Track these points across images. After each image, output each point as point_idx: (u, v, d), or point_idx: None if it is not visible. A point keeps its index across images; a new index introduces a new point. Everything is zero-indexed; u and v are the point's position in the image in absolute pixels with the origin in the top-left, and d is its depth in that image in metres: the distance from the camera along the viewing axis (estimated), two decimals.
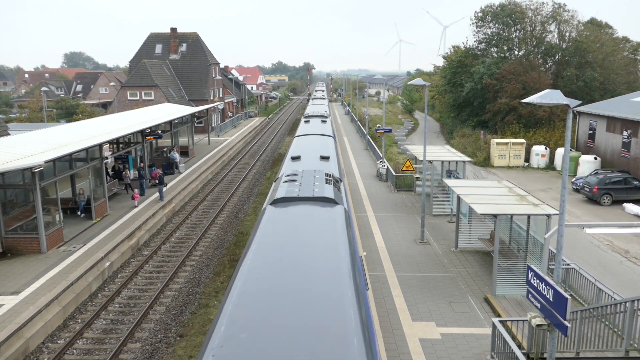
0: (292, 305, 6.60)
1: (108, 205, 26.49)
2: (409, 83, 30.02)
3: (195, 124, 49.36)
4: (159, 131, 35.70)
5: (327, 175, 13.86)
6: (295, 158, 17.22)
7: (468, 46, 60.40)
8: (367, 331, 6.08)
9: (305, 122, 31.03)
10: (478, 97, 53.90)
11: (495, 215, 16.32)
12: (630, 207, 28.41)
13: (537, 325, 10.36)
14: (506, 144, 41.76)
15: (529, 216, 16.55)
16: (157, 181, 29.92)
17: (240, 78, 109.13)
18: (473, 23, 58.27)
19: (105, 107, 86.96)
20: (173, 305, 17.89)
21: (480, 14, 57.61)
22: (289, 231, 10.03)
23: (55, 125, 35.31)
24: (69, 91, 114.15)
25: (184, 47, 66.33)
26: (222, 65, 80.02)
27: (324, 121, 31.08)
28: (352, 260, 8.26)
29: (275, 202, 11.63)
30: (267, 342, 5.63)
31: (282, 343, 5.59)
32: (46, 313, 15.97)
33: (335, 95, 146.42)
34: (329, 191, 12.18)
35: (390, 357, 13.02)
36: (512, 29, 56.48)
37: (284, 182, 13.23)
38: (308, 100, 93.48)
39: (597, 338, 12.00)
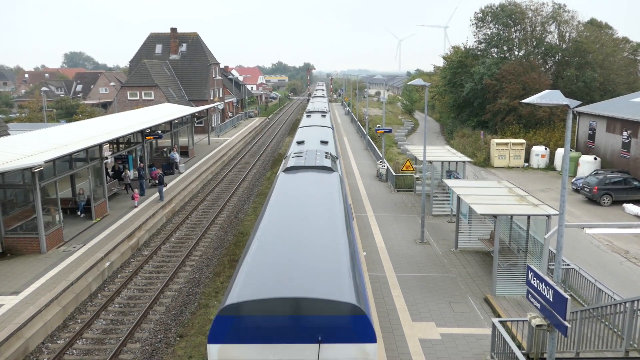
0: (300, 235, 10.19)
1: (108, 205, 26.49)
2: (409, 83, 29.99)
3: (195, 124, 49.37)
4: (159, 131, 35.70)
5: (325, 153, 18.11)
6: (300, 142, 21.75)
7: (468, 47, 60.43)
8: (352, 246, 9.88)
9: (307, 116, 36.60)
10: (478, 97, 53.90)
11: (495, 216, 16.32)
12: (630, 208, 28.41)
13: (537, 326, 10.36)
14: (506, 144, 41.76)
15: (528, 216, 16.55)
16: (157, 181, 29.92)
17: (240, 78, 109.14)
18: (473, 24, 58.30)
19: (105, 107, 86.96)
20: (173, 306, 17.89)
21: (480, 15, 57.62)
22: (298, 189, 13.69)
23: (55, 125, 35.31)
24: (69, 91, 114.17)
25: (184, 47, 66.33)
26: (222, 66, 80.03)
27: (323, 115, 36.36)
28: (344, 206, 12.27)
29: (287, 170, 15.62)
30: (281, 266, 8.42)
31: (293, 267, 8.46)
32: (46, 313, 15.97)
33: (335, 96, 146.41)
34: (327, 163, 16.27)
35: (390, 357, 13.02)
36: (512, 30, 56.48)
37: (292, 157, 17.33)
38: (308, 100, 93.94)
39: (597, 338, 12.00)
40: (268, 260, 9.00)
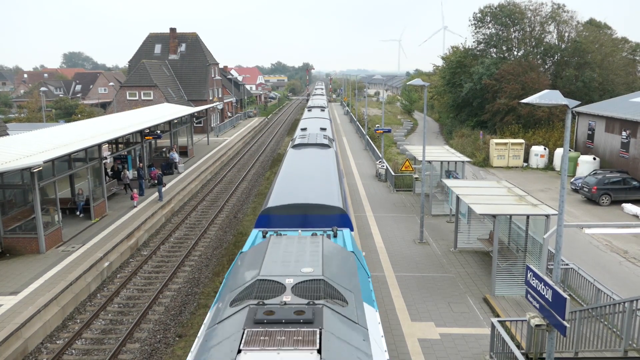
0: (307, 177, 15.38)
1: (107, 205, 26.47)
2: (408, 83, 30.17)
3: (195, 124, 49.36)
4: (158, 131, 35.68)
5: (324, 135, 24.18)
6: (304, 129, 28.52)
7: (467, 47, 60.47)
8: (341, 185, 15.20)
9: (309, 110, 44.93)
10: (477, 97, 53.92)
11: (494, 216, 16.32)
12: (629, 208, 28.43)
13: (536, 326, 10.37)
14: (505, 144, 41.78)
15: (528, 216, 16.55)
16: (155, 181, 29.91)
17: (240, 78, 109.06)
18: (472, 24, 58.32)
19: (104, 107, 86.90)
20: (172, 306, 17.88)
21: (479, 15, 57.64)
22: (304, 157, 19.25)
23: (54, 126, 35.27)
24: (68, 91, 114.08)
25: (183, 47, 66.29)
26: (221, 66, 79.99)
27: (322, 110, 44.78)
28: (337, 169, 17.73)
29: (294, 147, 21.36)
30: (293, 193, 13.34)
31: (303, 190, 13.67)
32: (45, 313, 15.96)
33: (334, 96, 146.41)
34: (325, 141, 22.13)
35: (389, 357, 13.02)
36: (511, 30, 56.50)
37: (298, 138, 23.40)
38: (308, 99, 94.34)
39: (596, 338, 12.02)
40: (287, 186, 15.00)
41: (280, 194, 14.00)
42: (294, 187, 14.95)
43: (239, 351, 5.89)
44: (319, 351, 5.85)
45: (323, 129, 27.63)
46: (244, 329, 6.28)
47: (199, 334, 7.29)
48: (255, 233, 11.70)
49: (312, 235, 10.18)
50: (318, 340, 6.05)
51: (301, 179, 15.96)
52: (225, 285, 8.67)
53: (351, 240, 11.10)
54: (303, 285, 7.46)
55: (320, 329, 6.30)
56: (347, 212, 13.10)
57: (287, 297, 7.05)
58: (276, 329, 6.26)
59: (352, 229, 12.54)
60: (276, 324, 6.39)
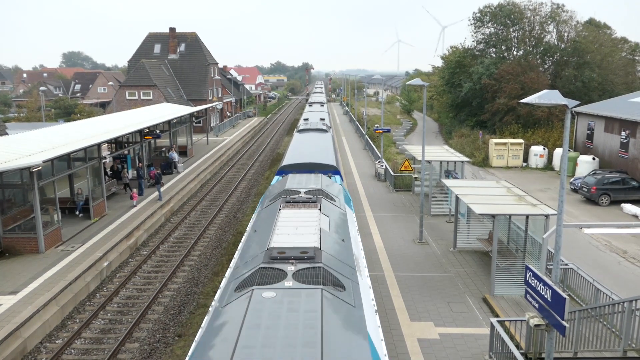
0: (310, 149, 22.21)
1: (106, 205, 26.46)
2: (407, 83, 30.31)
3: (194, 124, 49.33)
4: (158, 131, 35.66)
5: (323, 123, 30.83)
6: (306, 119, 35.56)
7: (466, 47, 60.46)
8: (337, 154, 23.68)
9: (310, 105, 54.64)
10: (477, 97, 53.91)
11: (493, 216, 16.33)
12: (628, 208, 28.45)
13: (535, 325, 10.38)
14: (504, 144, 41.79)
15: (527, 216, 16.55)
16: (154, 181, 29.89)
17: (239, 78, 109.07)
18: (471, 23, 58.33)
19: (103, 107, 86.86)
20: (171, 305, 17.88)
21: (478, 15, 57.65)
22: (307, 138, 25.51)
23: (54, 125, 35.25)
24: (67, 91, 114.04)
25: (182, 47, 66.25)
26: (220, 65, 79.93)
27: (322, 105, 54.58)
28: (333, 144, 24.87)
29: (299, 131, 28.21)
30: (301, 158, 19.35)
31: (308, 155, 20.28)
32: (44, 313, 15.95)
33: (334, 96, 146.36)
34: (324, 127, 29.11)
35: (389, 357, 13.02)
36: (511, 30, 56.51)
37: (302, 125, 30.49)
38: (307, 99, 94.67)
39: (595, 338, 12.03)
40: (296, 153, 21.28)
41: (291, 157, 20.48)
42: (301, 153, 21.22)
43: (279, 209, 12.21)
44: (320, 208, 12.31)
45: (322, 120, 34.38)
46: (280, 208, 12.31)
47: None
48: (276, 177, 18.54)
49: (315, 174, 16.87)
50: (319, 207, 12.40)
51: (306, 149, 22.52)
52: (265, 196, 15.60)
53: (339, 180, 18.31)
54: (310, 192, 13.89)
55: (320, 205, 12.58)
56: (338, 168, 19.43)
57: (302, 196, 13.25)
58: (298, 207, 12.37)
59: (341, 178, 19.48)
60: (298, 202, 12.73)
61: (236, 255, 10.94)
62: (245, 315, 7.08)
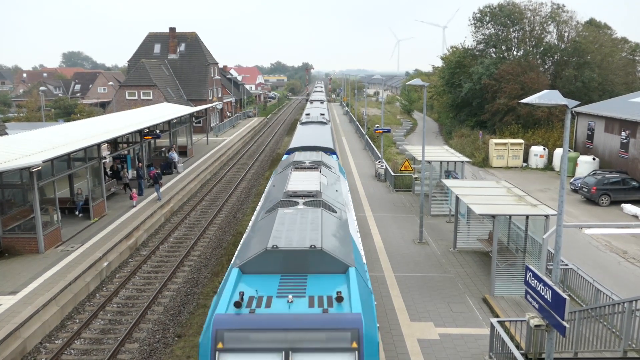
0: (312, 136, 26.12)
1: (106, 205, 26.45)
2: (407, 83, 30.41)
3: (194, 124, 49.33)
4: (158, 131, 35.65)
5: (323, 117, 35.06)
6: (307, 114, 39.83)
7: (466, 47, 60.45)
8: (334, 139, 29.49)
9: (311, 102, 60.64)
10: (477, 97, 53.91)
11: (493, 216, 16.32)
12: (628, 208, 28.44)
13: (536, 326, 10.37)
14: (505, 144, 41.78)
15: (527, 216, 16.55)
16: (153, 181, 29.85)
17: (239, 78, 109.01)
18: (472, 24, 58.32)
19: (103, 107, 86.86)
20: (171, 306, 17.86)
21: (478, 15, 57.64)
22: (309, 129, 29.51)
23: (54, 125, 35.24)
24: (67, 91, 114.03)
25: (182, 47, 66.24)
26: (220, 65, 79.93)
27: (321, 102, 59.84)
28: (331, 133, 29.91)
29: (302, 124, 32.91)
30: (305, 142, 23.66)
31: (310, 141, 24.19)
32: (44, 313, 15.94)
33: (334, 96, 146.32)
34: (324, 120, 33.82)
35: (389, 357, 13.02)
36: (511, 30, 56.51)
37: (304, 119, 35.30)
38: (307, 100, 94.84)
39: (596, 338, 12.02)
40: (301, 138, 25.40)
41: (297, 142, 24.72)
42: (305, 139, 25.34)
43: (291, 172, 15.53)
44: (320, 171, 15.63)
45: (322, 114, 38.97)
46: (291, 171, 15.86)
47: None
48: (286, 156, 22.48)
49: (316, 152, 21.06)
50: (319, 170, 15.72)
51: (308, 136, 26.59)
52: (277, 168, 19.42)
53: (335, 158, 22.36)
54: (313, 162, 17.84)
55: (320, 169, 16.27)
56: (334, 150, 23.96)
57: (307, 164, 16.96)
58: (304, 170, 15.76)
59: (337, 157, 23.89)
60: (304, 168, 16.33)
61: (260, 201, 15.61)
62: (274, 221, 11.05)
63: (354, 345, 7.54)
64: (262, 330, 7.61)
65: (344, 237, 10.96)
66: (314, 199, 12.64)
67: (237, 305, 7.85)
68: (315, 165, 17.02)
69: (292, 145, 23.81)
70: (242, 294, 8.10)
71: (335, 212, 12.42)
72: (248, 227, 12.87)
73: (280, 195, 13.31)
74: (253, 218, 13.45)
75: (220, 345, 7.59)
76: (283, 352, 7.50)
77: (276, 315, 7.81)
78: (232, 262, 10.28)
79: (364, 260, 11.57)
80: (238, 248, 11.26)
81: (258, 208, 14.62)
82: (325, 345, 7.56)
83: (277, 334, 7.59)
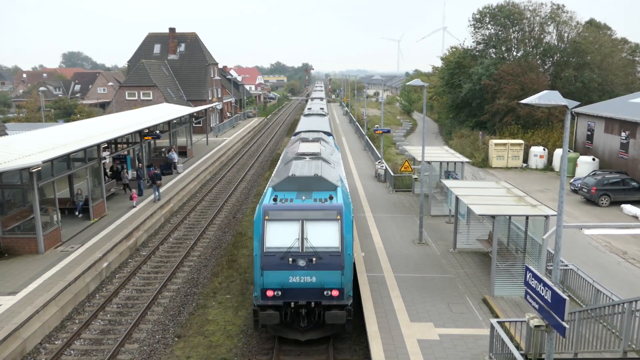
0: (313, 124, 32.29)
1: (106, 205, 26.45)
2: (407, 84, 30.58)
3: (194, 125, 49.32)
4: (157, 131, 35.65)
5: (322, 111, 43.62)
6: (309, 108, 47.93)
7: (466, 47, 60.45)
8: (331, 126, 38.85)
9: (312, 100, 66.41)
10: (476, 97, 53.92)
11: (493, 216, 16.31)
12: (628, 208, 28.45)
13: (535, 326, 10.36)
14: (504, 144, 41.79)
15: (527, 217, 16.54)
16: (151, 182, 29.82)
17: (239, 78, 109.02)
18: (471, 24, 58.32)
19: (103, 107, 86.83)
20: (171, 306, 17.87)
21: (478, 16, 57.66)
22: (310, 121, 34.99)
23: (53, 125, 35.23)
24: (67, 91, 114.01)
25: (182, 47, 66.26)
26: (220, 66, 79.95)
27: (321, 99, 67.33)
28: (329, 122, 38.96)
29: (305, 116, 40.00)
30: (309, 128, 30.00)
31: (312, 127, 30.37)
32: (44, 313, 15.94)
33: (333, 96, 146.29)
34: (323, 113, 42.04)
35: (388, 358, 13.01)
36: (511, 30, 56.52)
37: (306, 112, 43.51)
38: (307, 100, 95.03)
39: (595, 339, 12.02)
40: (305, 125, 32.63)
41: (302, 128, 31.26)
42: (308, 125, 31.63)
43: (299, 144, 22.51)
44: (320, 143, 22.50)
45: (322, 108, 46.98)
46: (299, 143, 22.72)
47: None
48: (293, 138, 27.18)
49: (317, 133, 26.46)
50: (320, 143, 22.86)
51: (310, 123, 33.11)
52: (290, 141, 27.13)
53: (331, 138, 28.19)
54: (314, 138, 24.16)
55: (320, 142, 22.98)
56: (331, 133, 30.91)
57: (310, 139, 24.01)
58: (308, 142, 22.61)
59: (334, 138, 30.19)
60: (309, 141, 23.21)
61: (279, 161, 22.77)
62: (291, 165, 17.67)
63: (338, 217, 14.40)
64: (288, 210, 14.52)
65: (334, 173, 18.35)
66: (316, 157, 19.38)
67: (275, 200, 14.79)
68: (316, 139, 24.00)
69: (298, 129, 31.12)
70: (276, 197, 14.92)
71: (330, 163, 19.49)
72: (272, 174, 20.94)
73: (293, 155, 19.85)
74: (275, 170, 21.59)
75: (267, 217, 14.37)
76: (300, 221, 14.33)
77: (296, 204, 14.81)
78: (267, 185, 17.64)
79: (347, 186, 19.44)
80: (270, 179, 19.42)
81: (278, 165, 22.23)
82: (323, 217, 14.45)
83: (296, 212, 14.46)
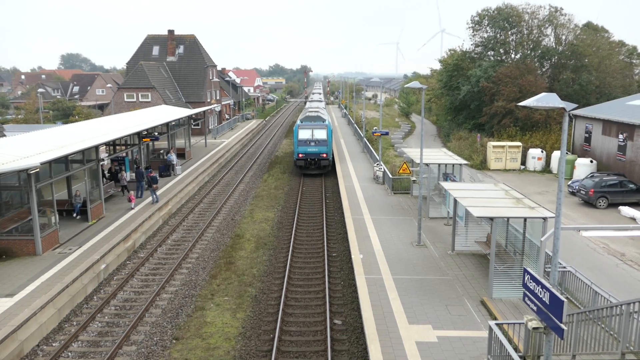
0: (314, 111, 46.31)
1: (104, 207, 26.41)
2: (405, 86, 30.88)
3: (192, 126, 49.33)
4: (156, 133, 35.64)
5: (320, 103, 63.62)
6: (310, 101, 70.00)
7: (464, 50, 60.54)
8: (328, 115, 59.74)
9: (312, 95, 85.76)
10: (475, 100, 54.01)
11: (491, 218, 16.32)
12: (625, 210, 28.50)
13: (534, 328, 10.36)
14: (503, 147, 41.85)
15: (525, 219, 16.56)
16: (147, 184, 29.74)
17: (238, 80, 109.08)
18: (470, 27, 58.44)
19: (102, 109, 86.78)
20: (169, 308, 17.83)
21: (476, 18, 57.77)
22: (312, 105, 56.41)
23: (52, 127, 35.17)
24: (65, 93, 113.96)
25: (181, 49, 66.27)
26: (219, 68, 79.96)
27: (320, 94, 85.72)
28: (326, 109, 70.17)
29: (307, 103, 72.35)
30: (310, 116, 43.06)
31: (313, 114, 45.00)
32: (41, 315, 15.90)
33: (332, 98, 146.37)
34: (322, 101, 72.35)
35: (385, 353, 13.01)
36: (509, 33, 56.65)
37: (308, 101, 74.56)
38: (305, 102, 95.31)
39: (593, 341, 12.02)
40: (306, 113, 44.88)
41: (304, 115, 43.23)
42: (309, 113, 44.11)
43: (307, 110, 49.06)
44: (324, 122, 40.99)
45: (320, 101, 64.22)
46: (307, 113, 45.10)
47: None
48: (298, 122, 40.81)
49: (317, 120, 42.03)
50: (324, 120, 41.22)
51: (312, 112, 44.78)
52: (300, 115, 47.58)
53: (326, 115, 46.96)
54: (317, 116, 42.19)
55: (323, 119, 41.46)
56: (327, 120, 41.46)
57: (313, 115, 42.89)
58: (310, 122, 40.65)
59: (329, 122, 42.06)
60: (311, 118, 41.27)
61: (298, 119, 42.69)
62: (299, 129, 39.80)
63: (325, 128, 39.43)
64: (308, 122, 40.34)
65: (326, 118, 41.93)
66: (316, 110, 44.50)
67: (302, 120, 40.78)
68: (316, 111, 43.97)
69: (301, 116, 43.43)
70: (302, 122, 40.06)
71: (325, 119, 40.78)
72: (298, 120, 41.77)
73: (304, 115, 42.22)
74: (298, 121, 41.28)
75: (300, 124, 39.87)
76: (311, 129, 39.28)
77: (309, 123, 39.93)
78: (296, 121, 41.38)
79: (334, 122, 50.94)
80: (299, 118, 43.46)
81: (300, 117, 43.47)
82: (320, 127, 39.50)
83: (311, 123, 39.94)
